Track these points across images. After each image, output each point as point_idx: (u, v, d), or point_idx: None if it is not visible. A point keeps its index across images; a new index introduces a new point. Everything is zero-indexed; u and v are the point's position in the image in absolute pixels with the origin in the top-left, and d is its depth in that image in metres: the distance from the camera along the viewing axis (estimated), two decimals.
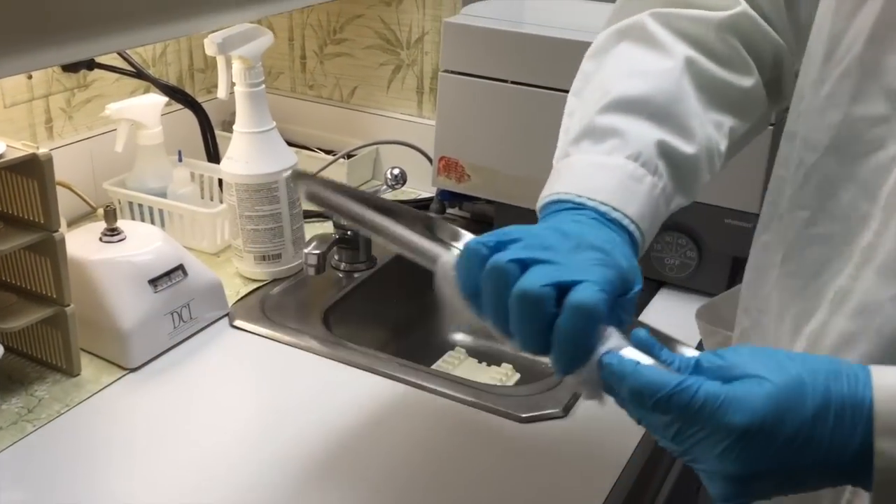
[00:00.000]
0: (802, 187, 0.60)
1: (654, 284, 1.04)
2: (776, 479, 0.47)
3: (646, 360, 0.48)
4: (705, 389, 0.45)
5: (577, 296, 0.49)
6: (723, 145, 0.65)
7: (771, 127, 0.94)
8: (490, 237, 0.53)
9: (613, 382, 0.48)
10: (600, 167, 0.59)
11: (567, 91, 1.02)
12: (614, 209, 0.57)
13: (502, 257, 0.50)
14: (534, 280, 0.49)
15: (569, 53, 1.01)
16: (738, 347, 0.49)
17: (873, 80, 0.56)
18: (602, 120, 0.61)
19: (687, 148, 0.62)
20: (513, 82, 1.05)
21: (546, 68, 1.03)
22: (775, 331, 0.63)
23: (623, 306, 0.52)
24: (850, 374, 0.46)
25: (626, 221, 0.57)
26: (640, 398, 0.47)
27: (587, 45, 1.04)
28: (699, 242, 1.01)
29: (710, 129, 0.64)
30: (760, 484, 0.47)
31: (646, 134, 0.60)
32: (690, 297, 1.00)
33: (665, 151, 0.61)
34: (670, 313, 0.99)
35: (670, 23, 0.66)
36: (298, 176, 0.90)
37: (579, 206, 0.57)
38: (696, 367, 0.47)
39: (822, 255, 0.59)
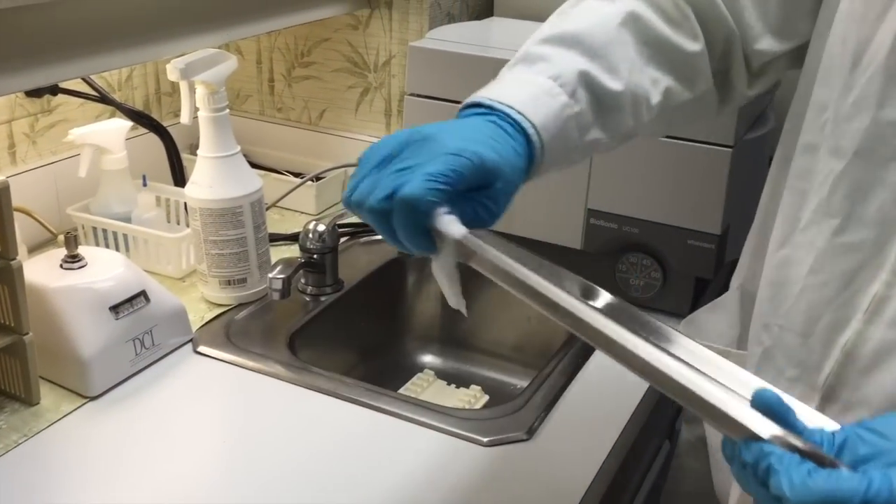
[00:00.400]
0: (830, 196, 0.61)
1: None
2: None
3: (774, 429, 0.42)
4: (890, 488, 0.40)
5: (402, 190, 0.53)
6: (654, 99, 0.67)
7: (730, 149, 0.95)
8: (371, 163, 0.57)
9: (774, 484, 0.42)
10: (521, 82, 0.63)
11: None
12: (518, 112, 0.60)
13: (374, 197, 0.54)
14: (374, 197, 0.54)
15: None
16: (890, 418, 0.44)
17: None
18: (536, 49, 0.66)
19: (611, 84, 0.64)
20: None
21: None
22: (803, 346, 0.63)
23: (480, 199, 0.56)
24: None
25: (525, 124, 0.60)
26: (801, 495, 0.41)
27: None
28: (663, 263, 1.01)
29: (643, 78, 0.67)
30: None
31: (572, 62, 0.64)
32: (655, 318, 1.01)
33: (587, 81, 0.63)
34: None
35: None
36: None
37: (488, 111, 0.60)
38: (848, 446, 0.43)
39: (853, 262, 0.59)
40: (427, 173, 0.54)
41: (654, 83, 0.67)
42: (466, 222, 0.55)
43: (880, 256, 0.58)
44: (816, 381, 0.61)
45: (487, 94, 0.62)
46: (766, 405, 0.43)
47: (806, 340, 0.63)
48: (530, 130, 0.60)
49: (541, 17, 1.25)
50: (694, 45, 0.69)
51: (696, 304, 1.02)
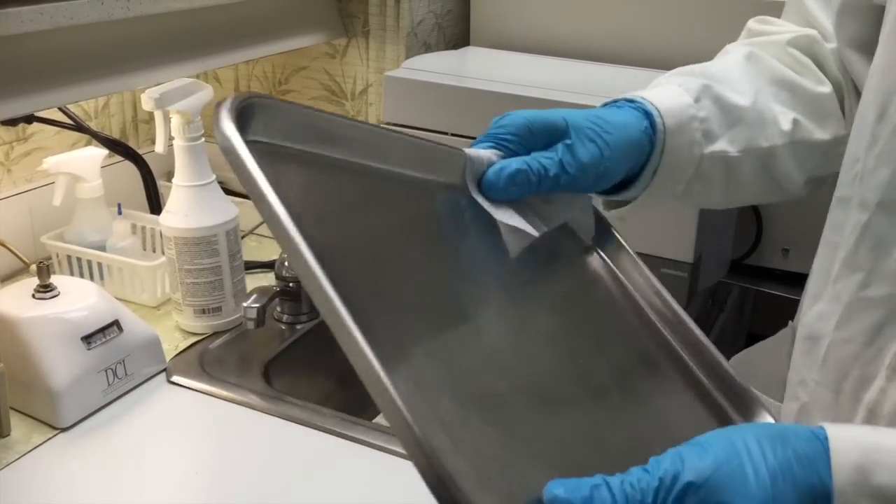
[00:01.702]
0: (856, 250, 0.60)
1: None
2: None
3: None
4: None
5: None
6: (784, 125, 0.67)
7: None
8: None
9: None
10: (650, 88, 0.65)
11: None
12: (643, 98, 0.62)
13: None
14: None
15: (507, 106, 1.03)
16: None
17: None
18: (661, 78, 0.68)
19: (736, 98, 0.65)
20: (453, 134, 1.07)
21: (485, 121, 1.04)
22: (835, 403, 0.62)
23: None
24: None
25: (649, 107, 0.61)
26: None
27: (526, 98, 1.06)
28: None
29: (771, 105, 0.67)
30: None
31: (694, 81, 0.65)
32: None
33: (711, 94, 0.64)
34: None
35: (750, 45, 0.72)
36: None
37: (619, 103, 0.63)
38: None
39: (877, 318, 0.58)
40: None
41: (782, 113, 0.67)
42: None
43: None
44: None
45: (621, 95, 0.64)
46: None
47: (837, 397, 0.62)
48: (652, 111, 0.61)
49: (516, 47, 1.27)
50: (821, 88, 0.69)
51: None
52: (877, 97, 0.61)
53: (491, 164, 0.56)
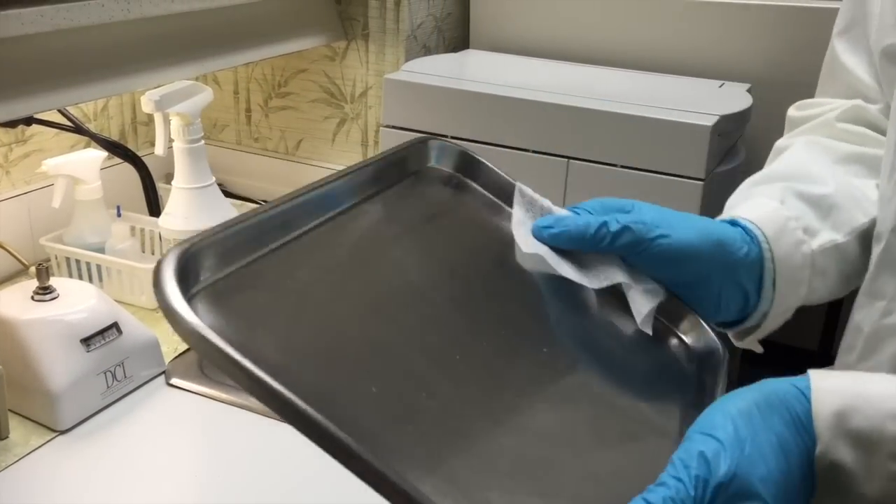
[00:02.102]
0: (875, 277, 0.61)
1: None
2: None
3: None
4: None
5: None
6: (872, 195, 0.65)
7: (701, 182, 0.96)
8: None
9: None
10: (730, 208, 0.65)
11: (506, 146, 1.05)
12: (731, 216, 0.61)
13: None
14: None
15: (506, 109, 1.04)
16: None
17: None
18: (733, 198, 0.68)
19: (818, 189, 0.64)
20: (452, 137, 1.07)
21: (484, 124, 1.05)
22: None
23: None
24: None
25: (741, 220, 0.60)
26: None
27: (524, 101, 1.07)
28: None
29: (850, 181, 0.66)
30: None
31: (772, 187, 0.65)
32: None
33: (795, 192, 0.63)
34: None
35: (800, 133, 0.72)
36: None
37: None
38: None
39: None
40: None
41: (864, 185, 0.66)
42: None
43: None
44: None
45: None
46: None
47: None
48: (746, 224, 0.60)
49: (516, 50, 1.27)
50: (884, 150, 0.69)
51: None
52: (893, 137, 0.62)
53: (549, 210, 0.59)
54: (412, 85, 1.09)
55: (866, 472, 0.44)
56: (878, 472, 0.44)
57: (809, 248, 0.61)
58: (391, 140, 1.11)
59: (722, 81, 1.12)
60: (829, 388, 0.46)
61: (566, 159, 1.00)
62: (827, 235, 0.62)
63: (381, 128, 1.11)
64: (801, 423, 0.45)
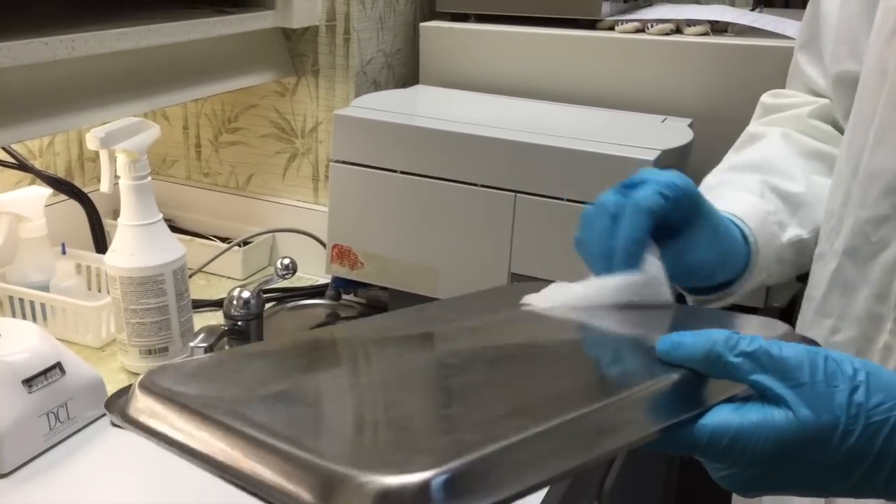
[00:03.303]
0: (827, 297, 0.64)
1: None
2: (789, 492, 0.45)
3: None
4: (712, 424, 0.42)
5: (634, 193, 0.57)
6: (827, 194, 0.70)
7: None
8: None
9: None
10: (715, 198, 0.66)
11: (455, 181, 1.06)
12: (724, 212, 0.65)
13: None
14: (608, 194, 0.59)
15: (455, 144, 1.05)
16: (800, 346, 0.44)
17: (876, 182, 0.60)
18: (711, 179, 0.73)
19: (792, 186, 0.70)
20: (402, 172, 1.07)
21: (433, 159, 1.06)
22: None
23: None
24: None
25: (732, 217, 0.65)
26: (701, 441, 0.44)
27: (472, 136, 1.08)
28: None
29: (816, 181, 0.72)
30: (768, 493, 0.45)
31: (749, 177, 0.70)
32: None
33: (770, 185, 0.69)
34: None
35: (771, 122, 0.78)
36: None
37: None
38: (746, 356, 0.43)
39: None
40: (657, 182, 0.57)
41: (824, 186, 0.72)
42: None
43: (868, 354, 0.60)
44: None
45: None
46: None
47: None
48: (737, 222, 0.65)
49: (464, 86, 1.29)
50: None
51: None
52: (850, 154, 0.65)
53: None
54: (361, 120, 1.10)
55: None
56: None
57: (779, 241, 0.67)
58: (340, 175, 1.11)
59: (664, 116, 1.15)
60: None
61: (513, 193, 1.01)
62: (794, 231, 0.69)
63: (330, 163, 1.12)
64: None
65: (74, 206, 1.17)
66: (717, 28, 1.21)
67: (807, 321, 0.68)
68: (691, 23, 1.21)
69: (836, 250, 0.64)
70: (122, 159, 0.94)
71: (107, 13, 0.98)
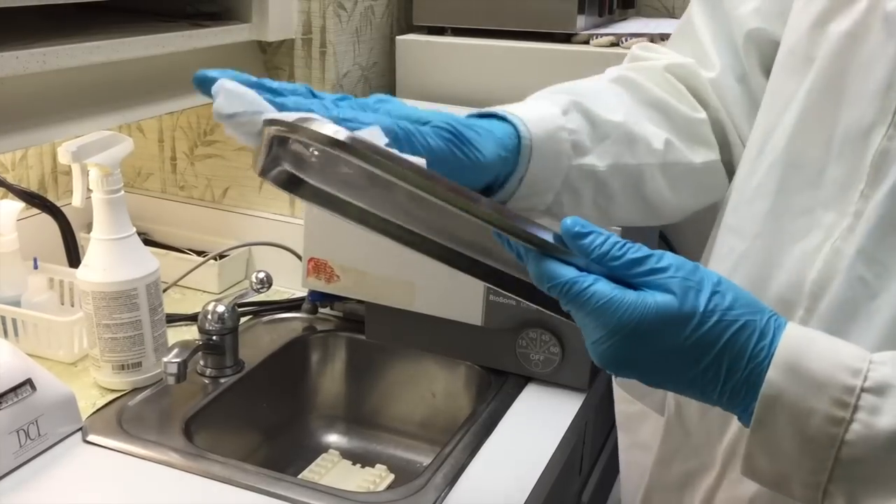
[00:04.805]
0: (731, 275, 0.63)
1: (521, 380, 1.06)
2: (645, 376, 0.51)
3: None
4: (595, 287, 0.49)
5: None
6: (655, 143, 0.67)
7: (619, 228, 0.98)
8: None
9: (525, 260, 0.52)
10: (517, 105, 0.64)
11: None
12: (504, 111, 0.62)
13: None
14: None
15: None
16: (677, 257, 0.51)
17: (797, 173, 0.60)
18: (531, 96, 0.68)
19: (607, 114, 0.66)
20: None
21: None
22: (699, 422, 0.68)
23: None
24: (761, 329, 0.49)
25: (511, 117, 0.61)
26: (541, 283, 0.51)
27: None
28: (561, 338, 1.03)
29: (643, 124, 0.68)
30: (628, 371, 0.51)
31: (563, 96, 0.65)
32: (555, 392, 1.03)
33: (581, 108, 0.65)
34: (536, 408, 1.00)
35: (628, 69, 0.74)
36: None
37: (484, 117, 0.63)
38: (620, 258, 0.50)
39: None
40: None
41: (655, 134, 0.68)
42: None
43: None
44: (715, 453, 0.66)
45: (479, 111, 0.64)
46: (566, 230, 0.51)
47: (700, 421, 0.67)
48: (513, 119, 0.61)
49: (441, 99, 1.29)
50: (696, 113, 0.71)
51: (594, 378, 1.04)
52: (758, 132, 0.65)
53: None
54: None
55: (808, 409, 0.48)
56: (819, 412, 0.48)
57: (569, 162, 0.63)
58: None
59: None
60: (800, 331, 0.50)
61: None
62: (590, 159, 0.64)
63: None
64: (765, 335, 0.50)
65: (47, 220, 1.16)
66: None
67: None
68: (665, 37, 1.22)
69: (742, 229, 0.64)
70: (94, 173, 0.94)
71: (84, 26, 0.97)
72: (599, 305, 0.49)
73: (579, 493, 1.13)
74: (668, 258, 0.50)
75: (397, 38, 1.33)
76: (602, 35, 1.23)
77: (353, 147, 0.49)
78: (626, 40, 1.21)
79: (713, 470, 0.66)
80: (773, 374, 0.48)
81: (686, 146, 0.70)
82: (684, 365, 0.49)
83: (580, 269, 0.50)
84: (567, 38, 1.26)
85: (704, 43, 0.73)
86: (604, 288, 0.49)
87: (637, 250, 0.50)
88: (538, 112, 0.62)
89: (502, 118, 0.61)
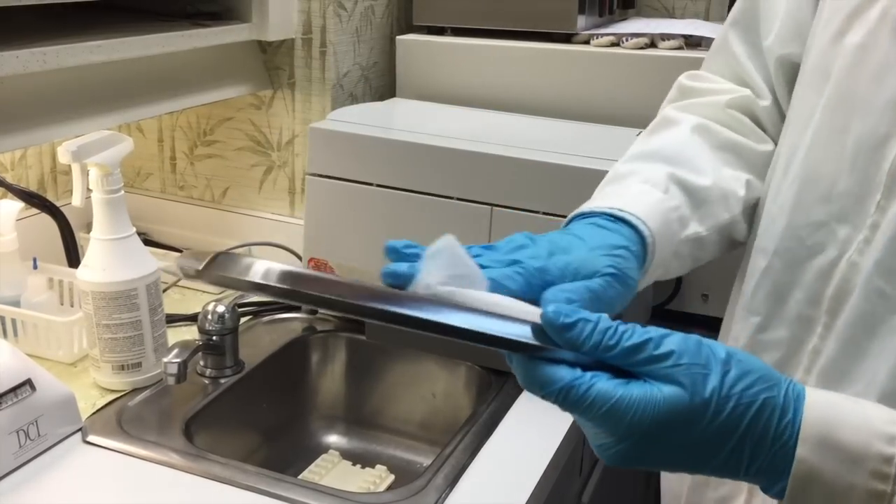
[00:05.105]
0: (755, 293, 0.63)
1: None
2: (662, 468, 0.48)
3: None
4: (596, 389, 0.45)
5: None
6: (740, 191, 0.68)
7: None
8: None
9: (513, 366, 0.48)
10: (615, 194, 0.63)
11: (432, 194, 1.05)
12: (620, 210, 0.60)
13: None
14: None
15: (431, 158, 1.05)
16: (677, 336, 0.47)
17: (812, 188, 0.60)
18: (622, 167, 0.67)
19: (699, 180, 0.66)
20: (378, 185, 1.07)
21: (409, 172, 1.06)
22: None
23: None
24: (781, 406, 0.46)
25: (630, 217, 0.59)
26: (532, 389, 0.47)
27: (448, 149, 1.08)
28: None
29: (726, 174, 0.68)
30: (642, 467, 0.47)
31: (658, 169, 0.65)
32: None
33: (676, 179, 0.65)
34: (537, 408, 1.00)
35: (687, 108, 0.73)
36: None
37: (590, 214, 0.61)
38: (615, 348, 0.46)
39: (774, 360, 0.61)
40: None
41: (735, 179, 0.69)
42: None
43: (798, 356, 0.60)
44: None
45: (587, 206, 0.62)
46: (548, 321, 0.46)
47: None
48: (635, 221, 0.59)
49: (441, 99, 1.29)
50: (764, 146, 0.71)
51: None
52: (784, 151, 0.65)
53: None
54: (337, 133, 1.09)
55: (846, 486, 0.45)
56: (858, 488, 0.45)
57: (679, 237, 0.63)
58: (317, 188, 1.11)
59: (639, 130, 1.15)
60: (822, 398, 0.47)
61: (490, 206, 1.02)
62: (694, 227, 0.65)
63: (306, 176, 1.11)
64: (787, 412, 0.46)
65: (46, 220, 1.15)
66: (691, 42, 1.22)
67: (735, 315, 0.67)
68: (666, 37, 1.22)
69: (765, 248, 0.64)
70: (94, 173, 0.93)
71: (84, 25, 0.97)
72: (605, 411, 0.44)
73: (579, 494, 1.13)
74: (668, 342, 0.46)
75: (397, 37, 1.33)
76: (602, 35, 1.23)
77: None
78: (627, 40, 1.21)
79: (741, 496, 0.67)
80: (803, 452, 0.45)
81: (761, 180, 0.71)
82: (704, 455, 0.46)
83: (571, 363, 0.46)
84: (567, 38, 1.26)
85: (750, 72, 0.74)
86: (604, 387, 0.45)
87: (631, 335, 0.46)
88: (648, 203, 0.61)
89: (618, 218, 0.60)
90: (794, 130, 0.65)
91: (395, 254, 0.53)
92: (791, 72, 0.70)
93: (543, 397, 0.46)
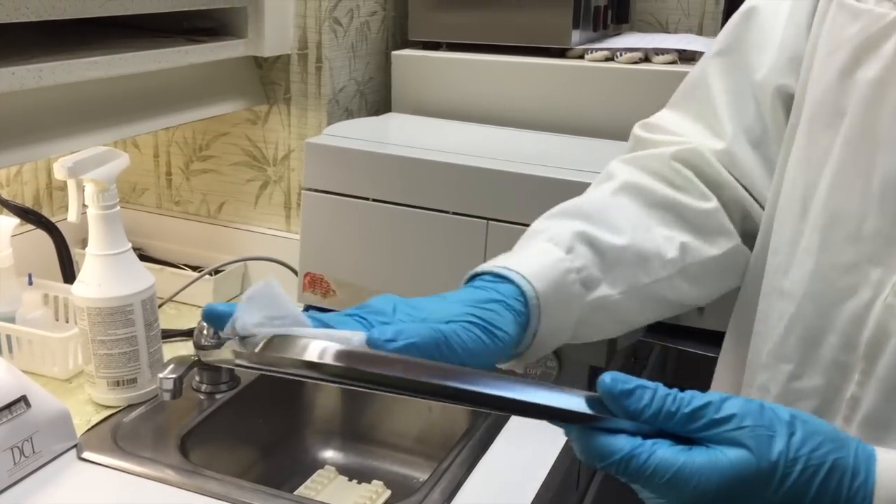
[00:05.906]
0: (785, 340, 0.60)
1: None
2: None
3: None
4: (658, 457, 0.44)
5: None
6: (669, 254, 0.65)
7: None
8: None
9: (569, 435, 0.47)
10: (517, 252, 0.62)
11: (428, 208, 1.05)
12: (506, 268, 0.58)
13: None
14: None
15: (426, 172, 1.05)
16: (737, 399, 0.46)
17: (838, 229, 0.57)
18: (536, 225, 0.65)
19: (613, 239, 0.63)
20: (374, 200, 1.07)
21: (405, 186, 1.06)
22: None
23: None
24: (852, 468, 0.44)
25: (512, 275, 0.57)
26: (592, 461, 0.46)
27: (444, 164, 1.08)
28: (558, 353, 1.03)
29: (653, 236, 0.65)
30: None
31: (568, 226, 0.63)
32: None
33: (586, 238, 0.62)
34: (533, 423, 1.00)
35: (632, 161, 0.71)
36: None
37: (476, 275, 0.60)
38: (676, 415, 0.45)
39: (810, 410, 0.58)
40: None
41: (667, 240, 0.65)
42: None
43: (836, 403, 0.58)
44: None
45: (483, 267, 0.60)
46: (606, 390, 0.45)
47: None
48: (517, 279, 0.57)
49: (437, 113, 1.29)
50: (705, 204, 0.68)
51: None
52: (797, 191, 0.62)
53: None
54: (333, 148, 1.10)
55: None
56: None
57: (580, 301, 0.61)
58: (313, 203, 1.11)
59: None
60: (894, 458, 0.45)
61: (486, 220, 1.02)
62: (603, 290, 0.62)
63: (302, 191, 1.11)
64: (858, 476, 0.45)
65: (42, 236, 1.15)
66: (685, 57, 1.23)
67: (760, 363, 0.64)
68: (660, 52, 1.22)
69: (791, 292, 0.61)
70: (90, 188, 0.93)
71: (81, 41, 0.98)
72: (668, 479, 0.43)
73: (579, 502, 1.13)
74: (729, 405, 0.45)
75: (393, 53, 1.33)
76: (596, 50, 1.24)
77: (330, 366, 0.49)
78: (621, 55, 1.22)
79: None
80: None
81: (703, 241, 0.67)
82: None
83: (630, 433, 0.45)
84: (562, 53, 1.26)
85: (718, 108, 0.71)
86: (666, 455, 0.44)
87: (690, 401, 0.45)
88: (539, 263, 0.59)
89: (502, 276, 0.58)
90: (808, 168, 0.62)
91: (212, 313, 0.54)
92: (787, 103, 0.68)
93: (603, 469, 0.45)
